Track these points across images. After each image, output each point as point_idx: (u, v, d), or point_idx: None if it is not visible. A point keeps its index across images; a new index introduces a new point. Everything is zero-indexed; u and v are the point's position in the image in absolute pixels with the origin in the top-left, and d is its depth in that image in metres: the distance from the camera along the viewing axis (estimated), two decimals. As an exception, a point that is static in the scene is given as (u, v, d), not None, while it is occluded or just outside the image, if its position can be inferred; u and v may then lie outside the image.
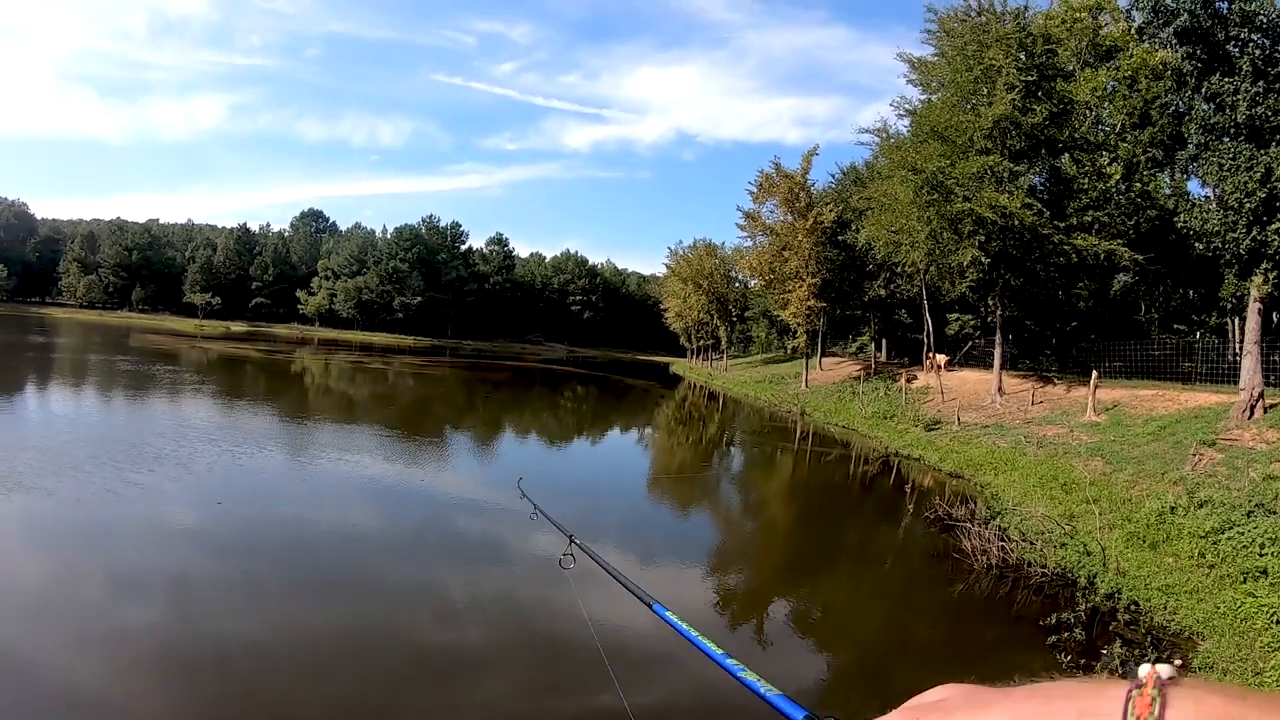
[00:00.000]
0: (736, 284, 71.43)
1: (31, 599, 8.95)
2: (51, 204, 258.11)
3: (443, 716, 7.08)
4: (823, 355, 53.48)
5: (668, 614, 1.30)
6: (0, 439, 17.62)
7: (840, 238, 44.07)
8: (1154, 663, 0.50)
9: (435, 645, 8.68)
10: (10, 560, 10.24)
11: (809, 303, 43.14)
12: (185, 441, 18.80)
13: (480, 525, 14.34)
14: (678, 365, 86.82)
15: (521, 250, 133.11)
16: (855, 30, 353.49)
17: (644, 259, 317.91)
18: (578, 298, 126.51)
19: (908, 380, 37.85)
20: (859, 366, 49.14)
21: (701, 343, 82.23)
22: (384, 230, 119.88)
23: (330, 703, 7.20)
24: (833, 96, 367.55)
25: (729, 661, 0.97)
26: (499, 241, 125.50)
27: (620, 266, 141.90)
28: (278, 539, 12.24)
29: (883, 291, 45.50)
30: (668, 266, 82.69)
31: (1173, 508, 13.93)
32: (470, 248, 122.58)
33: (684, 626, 1.20)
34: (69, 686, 7.21)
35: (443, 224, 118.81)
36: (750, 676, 0.88)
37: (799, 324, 44.04)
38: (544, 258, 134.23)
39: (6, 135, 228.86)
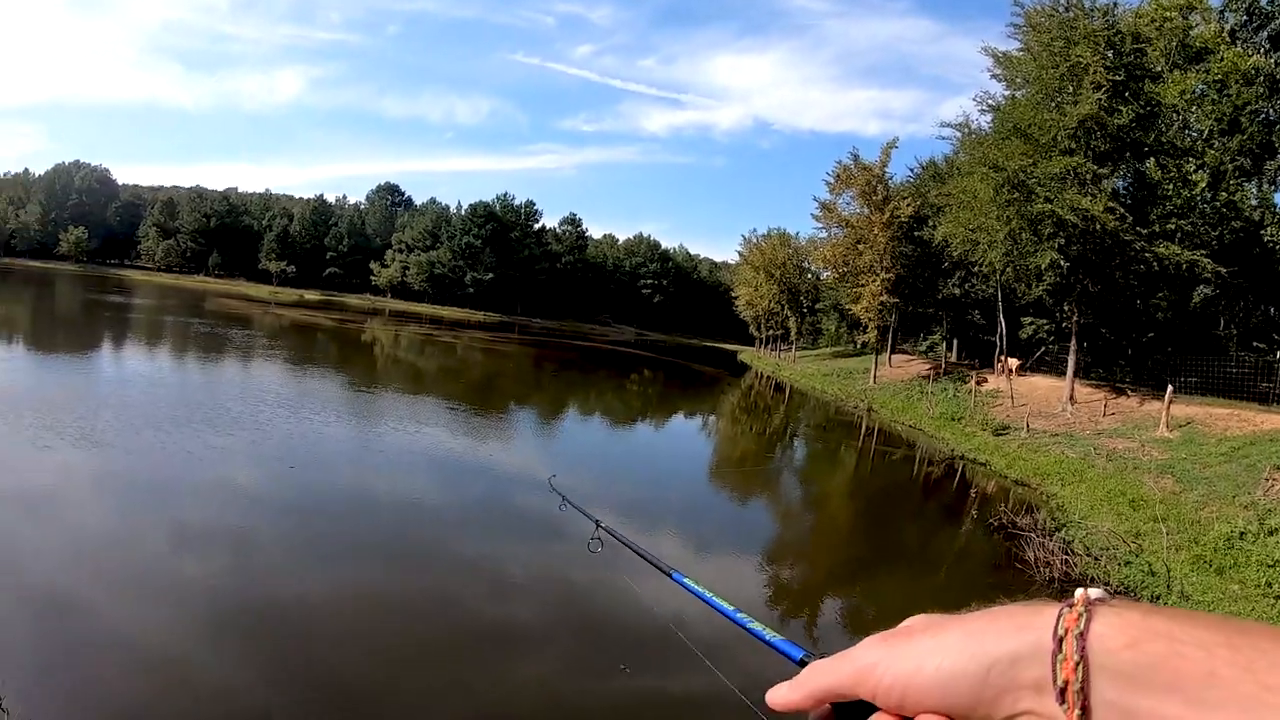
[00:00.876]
0: (809, 275, 70.39)
1: (104, 551, 9.54)
2: (133, 170, 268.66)
3: (483, 683, 7.41)
4: (892, 352, 52.43)
5: (685, 580, 1.35)
6: (82, 396, 18.44)
7: (916, 233, 42.94)
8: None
9: (483, 614, 9.06)
10: (88, 514, 10.90)
11: (881, 298, 42.56)
12: (260, 406, 19.50)
13: (538, 502, 14.51)
14: (746, 354, 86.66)
15: (595, 232, 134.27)
16: (938, 22, 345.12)
17: (717, 246, 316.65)
18: (649, 281, 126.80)
19: (977, 382, 37.20)
20: (928, 365, 48.26)
21: (770, 332, 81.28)
22: (459, 206, 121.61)
23: (376, 658, 7.58)
24: (913, 89, 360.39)
25: (739, 615, 1.03)
26: (573, 222, 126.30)
27: (693, 252, 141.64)
28: (342, 503, 12.70)
29: (957, 291, 44.57)
30: (740, 254, 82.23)
31: (1242, 533, 13.62)
32: (544, 227, 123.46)
33: (702, 590, 1.26)
34: (138, 634, 7.73)
35: (517, 202, 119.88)
36: (757, 626, 0.95)
37: (870, 319, 43.46)
38: (616, 240, 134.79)
39: (92, 102, 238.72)
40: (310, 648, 7.75)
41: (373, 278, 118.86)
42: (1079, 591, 0.54)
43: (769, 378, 59.96)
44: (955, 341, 52.99)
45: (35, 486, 11.64)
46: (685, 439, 28.13)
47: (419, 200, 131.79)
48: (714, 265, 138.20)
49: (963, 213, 31.73)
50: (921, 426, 32.09)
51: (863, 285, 43.72)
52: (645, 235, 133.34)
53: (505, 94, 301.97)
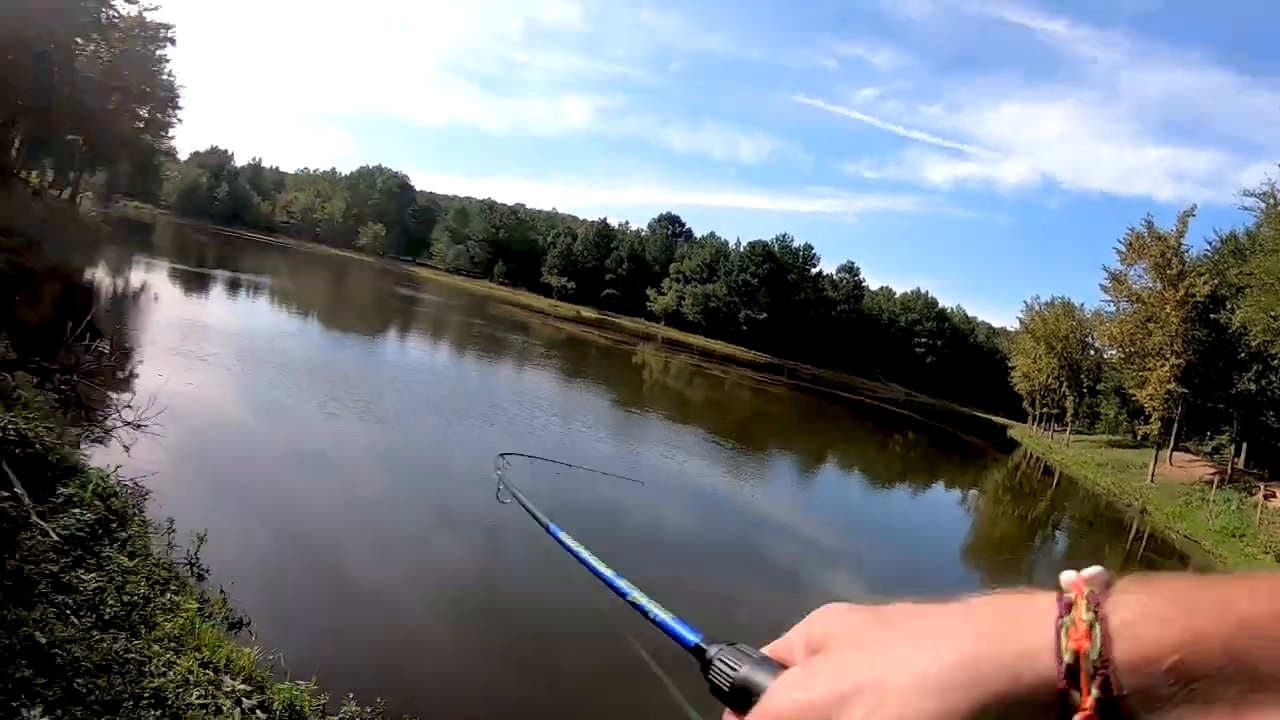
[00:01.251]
0: (1091, 352, 67.24)
1: (367, 513, 11.34)
2: (429, 178, 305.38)
3: None
4: (1174, 449, 47.76)
5: (561, 534, 1.31)
6: (371, 375, 20.58)
7: (1212, 316, 39.57)
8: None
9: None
10: (361, 479, 12.79)
11: (1168, 386, 40.05)
12: (534, 411, 21.38)
13: (791, 551, 15.54)
14: (1016, 430, 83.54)
15: (871, 283, 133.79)
16: (1240, 75, 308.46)
17: (996, 309, 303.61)
18: (923, 340, 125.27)
19: (1265, 496, 33.90)
20: (1213, 469, 44.18)
21: (1045, 410, 77.59)
22: (737, 243, 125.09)
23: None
24: (1212, 149, 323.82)
25: (620, 583, 0.94)
26: (850, 270, 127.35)
27: (970, 313, 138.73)
28: (598, 518, 13.02)
29: (1253, 386, 40.49)
30: (1021, 321, 79.62)
31: None
32: (820, 272, 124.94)
33: (577, 548, 1.17)
34: (383, 590, 9.06)
35: (795, 244, 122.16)
36: (643, 599, 0.84)
37: (1154, 408, 41.21)
38: (893, 293, 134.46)
39: (396, 114, 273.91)
40: (544, 649, 8.68)
41: (648, 303, 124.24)
42: (1068, 575, 0.46)
43: (1038, 459, 58.09)
44: (1244, 445, 47.50)
45: (318, 447, 13.95)
46: (943, 510, 28.65)
47: (698, 232, 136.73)
48: (991, 330, 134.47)
49: (1265, 296, 29.81)
50: (1198, 538, 30.41)
51: (1149, 369, 41.32)
52: (923, 291, 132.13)
53: (788, 134, 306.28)
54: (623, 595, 0.93)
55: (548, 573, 8.88)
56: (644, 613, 0.83)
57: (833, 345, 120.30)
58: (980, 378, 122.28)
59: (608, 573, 1.01)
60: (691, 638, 0.68)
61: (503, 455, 3.45)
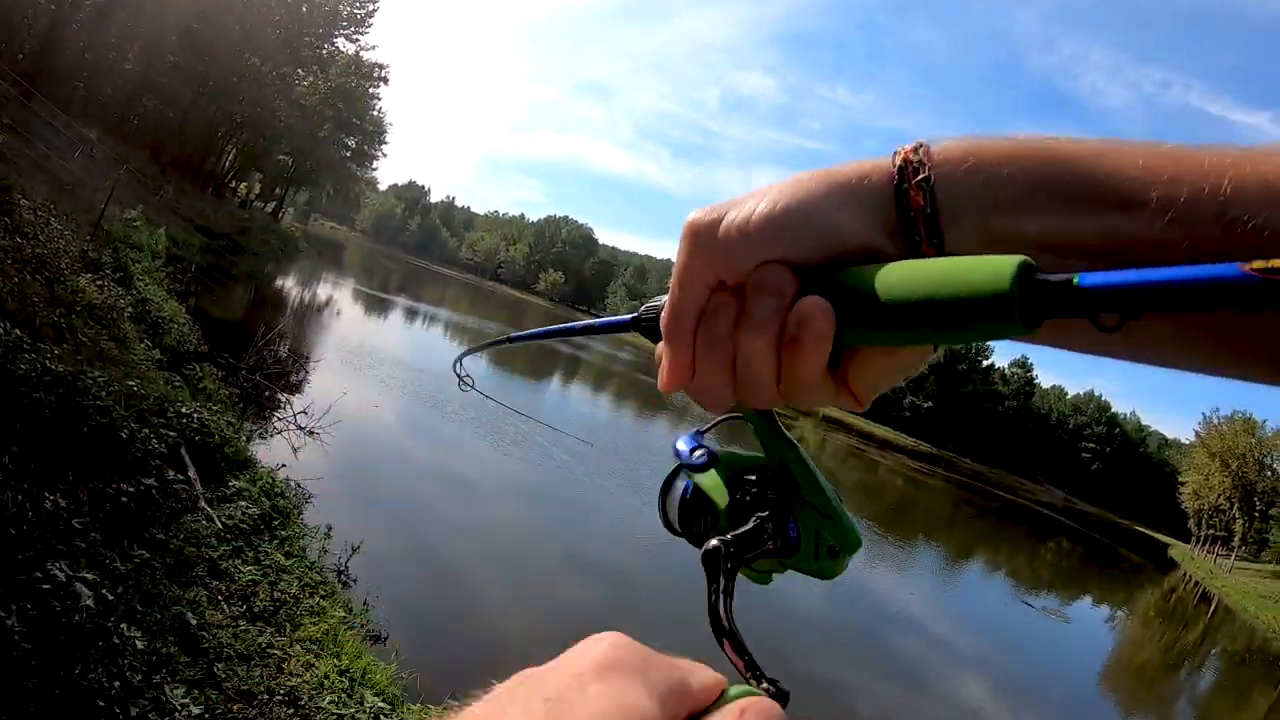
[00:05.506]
0: (1268, 474, 63.67)
1: (520, 554, 11.95)
2: (611, 234, 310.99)
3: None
4: None
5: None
6: (543, 416, 20.58)
7: None
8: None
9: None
10: (526, 527, 13.37)
11: None
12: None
13: (920, 645, 15.46)
14: (1177, 550, 77.95)
15: (1043, 379, 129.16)
16: None
17: (1172, 419, 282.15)
18: (1090, 445, 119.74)
19: None
20: None
21: (1210, 532, 73.08)
22: None
23: None
24: None
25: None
26: (1023, 365, 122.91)
27: (1144, 421, 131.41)
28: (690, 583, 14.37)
29: None
30: (1198, 434, 74.97)
31: None
32: (992, 365, 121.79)
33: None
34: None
35: None
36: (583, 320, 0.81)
37: None
38: (1065, 392, 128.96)
39: (587, 169, 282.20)
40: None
41: None
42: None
43: (1197, 584, 55.19)
44: None
45: (480, 481, 14.65)
46: (1085, 626, 27.56)
47: None
48: (1163, 441, 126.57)
49: None
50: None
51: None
52: (1097, 394, 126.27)
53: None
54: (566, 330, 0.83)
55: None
56: (579, 328, 0.79)
57: (996, 441, 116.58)
58: (1146, 490, 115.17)
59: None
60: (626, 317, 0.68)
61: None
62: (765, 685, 0.48)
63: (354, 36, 57.46)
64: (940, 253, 0.50)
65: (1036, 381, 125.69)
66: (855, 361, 0.53)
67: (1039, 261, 0.41)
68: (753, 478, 0.64)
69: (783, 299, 0.50)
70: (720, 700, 0.42)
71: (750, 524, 0.59)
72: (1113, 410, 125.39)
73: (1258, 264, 0.33)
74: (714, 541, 0.55)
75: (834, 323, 0.48)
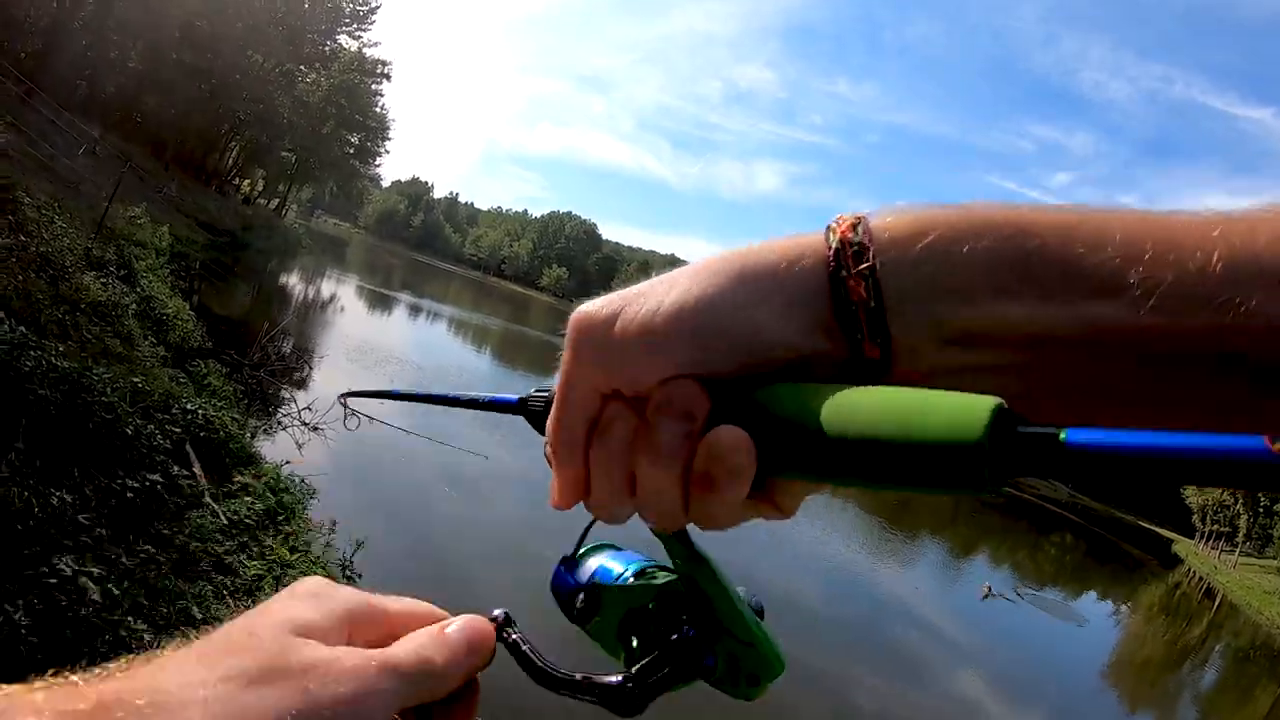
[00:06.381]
0: None
1: (522, 550, 11.21)
2: (615, 229, 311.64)
3: None
4: None
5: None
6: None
7: None
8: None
9: None
10: (524, 521, 12.45)
11: None
12: None
13: (919, 638, 15.38)
14: (1181, 545, 78.70)
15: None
16: None
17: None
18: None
19: None
20: None
21: (1215, 528, 73.78)
22: None
23: None
24: None
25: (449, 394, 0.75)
26: None
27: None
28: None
29: None
30: None
31: None
32: None
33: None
34: None
35: None
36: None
37: None
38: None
39: (587, 162, 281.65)
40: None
41: None
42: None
43: (1200, 580, 55.40)
44: None
45: (484, 479, 14.40)
46: (1089, 620, 27.17)
47: None
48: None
49: None
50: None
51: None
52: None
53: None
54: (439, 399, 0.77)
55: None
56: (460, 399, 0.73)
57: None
58: (1150, 486, 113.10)
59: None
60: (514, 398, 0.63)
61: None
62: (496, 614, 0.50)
63: (356, 33, 57.46)
64: (885, 354, 0.41)
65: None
66: (777, 485, 0.46)
67: (1004, 372, 0.37)
68: (651, 607, 0.56)
69: (692, 424, 0.42)
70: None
71: (655, 655, 0.52)
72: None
73: None
74: (615, 678, 0.50)
75: (755, 460, 0.41)
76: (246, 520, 6.98)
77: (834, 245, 0.43)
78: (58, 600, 4.06)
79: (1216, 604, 44.79)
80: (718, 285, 0.43)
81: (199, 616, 5.10)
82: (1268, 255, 0.37)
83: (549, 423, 0.49)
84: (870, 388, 0.39)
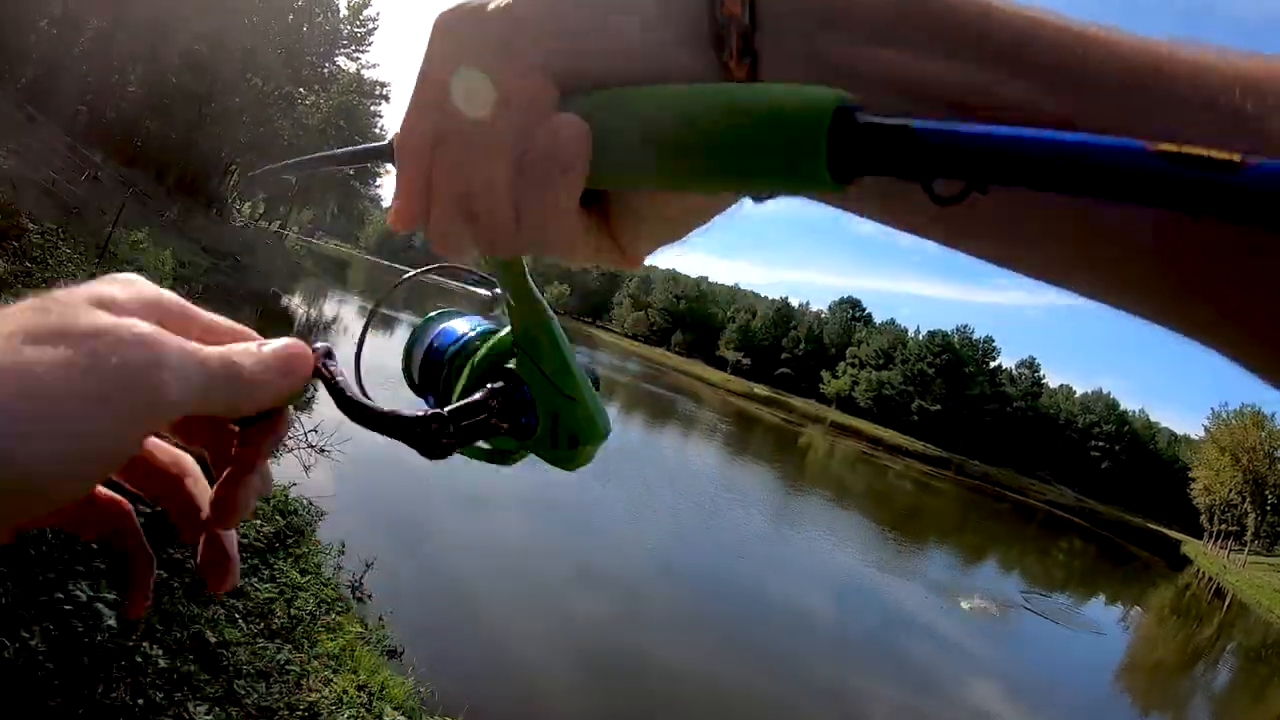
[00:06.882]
0: (1279, 467, 63.61)
1: (527, 566, 11.88)
2: None
3: None
4: None
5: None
6: None
7: None
8: None
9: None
10: (534, 540, 13.29)
11: None
12: (697, 483, 22.19)
13: (929, 648, 15.33)
14: (1189, 546, 77.24)
15: (1051, 379, 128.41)
16: None
17: (1182, 414, 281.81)
18: (1099, 444, 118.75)
19: None
20: None
21: (1223, 527, 73.00)
22: (916, 331, 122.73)
23: None
24: None
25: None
26: (1030, 366, 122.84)
27: (1153, 418, 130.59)
28: (725, 606, 13.16)
29: None
30: (1207, 430, 75.33)
31: None
32: (999, 366, 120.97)
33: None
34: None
35: (976, 336, 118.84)
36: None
37: None
38: (1073, 392, 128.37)
39: None
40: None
41: (821, 385, 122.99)
42: None
43: (1210, 579, 54.97)
44: None
45: (488, 496, 14.10)
46: (1099, 623, 27.06)
47: (878, 318, 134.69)
48: (1173, 437, 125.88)
49: None
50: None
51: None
52: (1105, 392, 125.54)
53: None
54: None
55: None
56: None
57: (1004, 443, 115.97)
58: (1157, 487, 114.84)
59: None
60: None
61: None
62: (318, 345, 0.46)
63: (354, 54, 57.86)
64: (751, 77, 0.38)
65: (1044, 381, 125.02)
66: (619, 203, 0.44)
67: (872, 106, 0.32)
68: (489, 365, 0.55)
69: (533, 115, 0.39)
70: None
71: (476, 395, 0.51)
72: (1121, 408, 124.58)
73: (1166, 146, 0.24)
74: (426, 411, 0.48)
75: (588, 150, 0.38)
76: (256, 543, 7.00)
77: None
78: (74, 626, 4.09)
79: (1226, 604, 44.42)
80: None
81: (212, 640, 5.13)
82: (1220, 73, 0.33)
83: (397, 135, 0.45)
84: (710, 84, 0.37)
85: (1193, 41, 0.34)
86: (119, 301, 0.38)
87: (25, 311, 0.35)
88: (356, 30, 55.62)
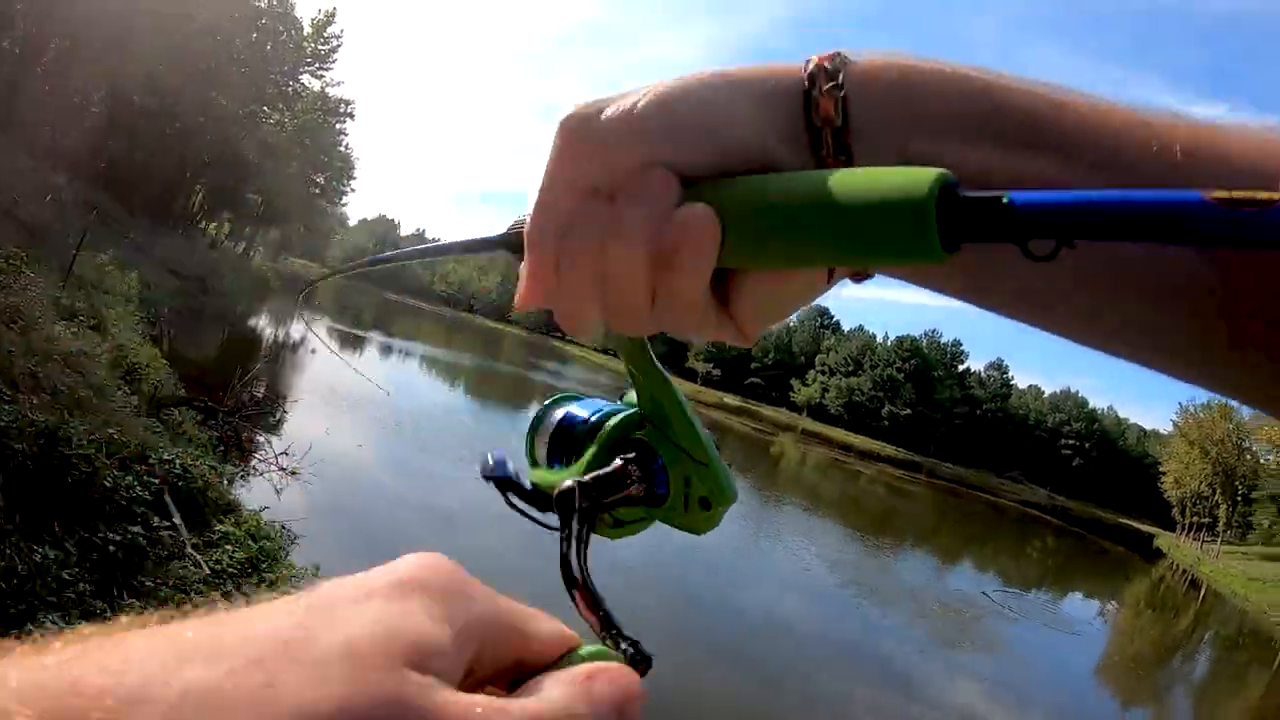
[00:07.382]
0: (1248, 456, 63.83)
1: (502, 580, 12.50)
2: None
3: None
4: None
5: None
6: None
7: None
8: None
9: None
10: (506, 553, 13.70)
11: None
12: None
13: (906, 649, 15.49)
14: (1163, 539, 77.61)
15: (1019, 380, 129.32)
16: None
17: (1150, 410, 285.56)
18: (1070, 442, 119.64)
19: None
20: None
21: (1195, 519, 73.01)
22: (885, 337, 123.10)
23: None
24: None
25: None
26: (999, 368, 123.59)
27: (1121, 415, 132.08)
28: (699, 613, 13.13)
29: None
30: (1175, 425, 75.61)
31: None
32: (968, 369, 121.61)
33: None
34: None
35: (944, 340, 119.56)
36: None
37: None
38: (1041, 392, 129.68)
39: None
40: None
41: (791, 394, 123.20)
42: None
43: (1184, 572, 55.25)
44: None
45: (463, 514, 13.35)
46: (1079, 623, 26.87)
47: (846, 325, 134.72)
48: (1142, 433, 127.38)
49: None
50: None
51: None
52: (1073, 391, 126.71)
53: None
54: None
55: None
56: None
57: (975, 445, 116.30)
58: (1128, 483, 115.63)
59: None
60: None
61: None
62: (625, 647, 0.42)
63: (319, 73, 57.56)
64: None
65: (1013, 382, 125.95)
66: (739, 285, 0.46)
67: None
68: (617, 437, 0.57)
69: (663, 206, 0.43)
70: (566, 659, 0.36)
71: (612, 466, 0.52)
72: (1090, 406, 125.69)
73: (1219, 193, 0.29)
74: (568, 482, 0.48)
75: (719, 235, 0.42)
76: (229, 570, 6.93)
77: (809, 70, 0.45)
78: None
79: (1201, 594, 44.78)
80: (699, 80, 0.45)
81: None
82: (1238, 153, 0.39)
83: (527, 222, 0.48)
84: (823, 170, 0.42)
85: (1235, 125, 0.41)
86: (438, 648, 0.29)
87: (319, 675, 0.25)
88: (320, 48, 55.35)
